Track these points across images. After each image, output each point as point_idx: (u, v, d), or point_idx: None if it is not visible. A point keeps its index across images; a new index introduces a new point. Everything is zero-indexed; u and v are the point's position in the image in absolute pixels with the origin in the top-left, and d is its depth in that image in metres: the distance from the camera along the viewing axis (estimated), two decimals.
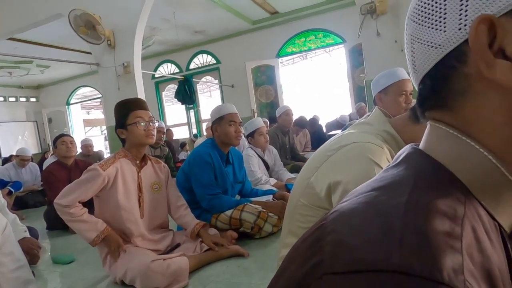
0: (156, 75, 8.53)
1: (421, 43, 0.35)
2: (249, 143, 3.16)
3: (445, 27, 0.33)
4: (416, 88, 0.39)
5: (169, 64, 8.81)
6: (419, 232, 0.26)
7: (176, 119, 9.43)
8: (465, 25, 0.31)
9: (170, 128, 7.56)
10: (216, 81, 8.53)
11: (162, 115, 8.94)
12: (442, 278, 0.23)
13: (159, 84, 8.97)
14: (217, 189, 2.17)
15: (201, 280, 1.71)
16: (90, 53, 5.03)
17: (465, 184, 0.32)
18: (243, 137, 3.67)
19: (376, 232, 0.27)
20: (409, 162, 0.36)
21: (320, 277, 0.27)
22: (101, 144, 12.84)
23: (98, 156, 5.52)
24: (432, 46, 0.34)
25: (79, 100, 10.53)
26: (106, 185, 1.74)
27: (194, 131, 8.70)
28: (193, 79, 7.39)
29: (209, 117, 2.48)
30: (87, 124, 13.59)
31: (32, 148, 8.55)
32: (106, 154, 7.74)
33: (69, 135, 3.39)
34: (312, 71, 12.35)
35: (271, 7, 6.97)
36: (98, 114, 14.85)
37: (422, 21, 0.35)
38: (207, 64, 8.50)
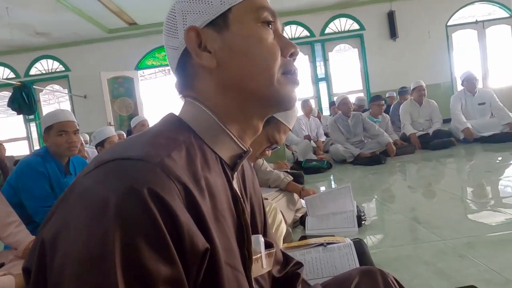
0: None
1: (169, 48, 0.54)
2: (98, 153, 3.00)
3: (177, 35, 0.51)
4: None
5: (1, 68, 7.43)
6: (146, 142, 0.43)
7: (12, 132, 7.95)
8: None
9: (2, 143, 6.32)
10: (65, 91, 7.65)
11: None
12: (142, 157, 0.38)
13: None
14: (54, 200, 1.99)
15: None
16: None
17: (195, 131, 0.49)
18: (94, 148, 3.43)
19: (124, 147, 0.42)
20: (164, 119, 0.52)
21: (75, 183, 0.39)
22: None
23: None
24: (174, 49, 0.52)
25: None
26: None
27: (36, 146, 7.51)
28: (35, 87, 6.43)
29: None
30: None
31: None
32: None
33: None
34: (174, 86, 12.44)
35: (129, 18, 6.78)
36: None
37: (167, 32, 0.53)
38: (53, 70, 7.56)
